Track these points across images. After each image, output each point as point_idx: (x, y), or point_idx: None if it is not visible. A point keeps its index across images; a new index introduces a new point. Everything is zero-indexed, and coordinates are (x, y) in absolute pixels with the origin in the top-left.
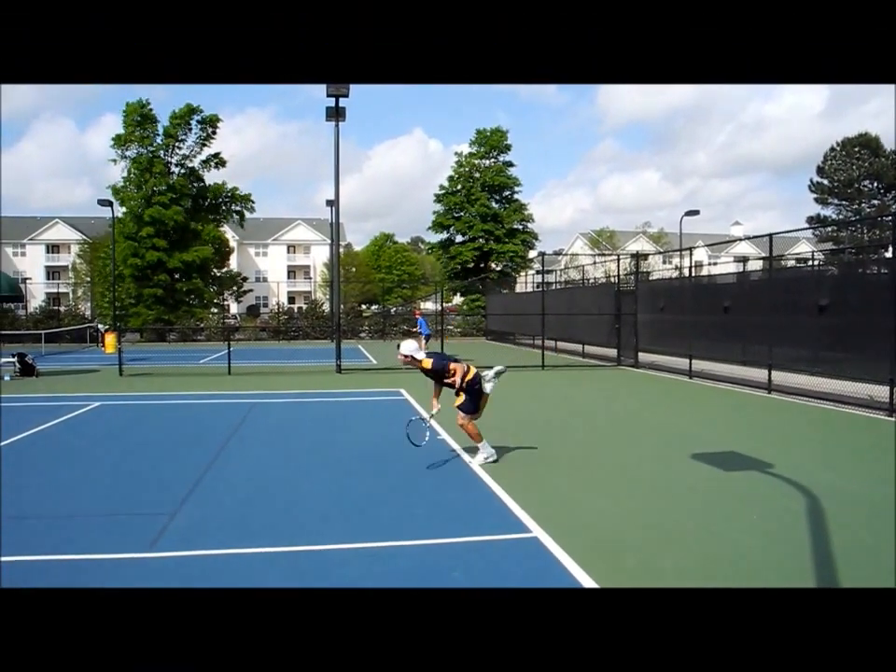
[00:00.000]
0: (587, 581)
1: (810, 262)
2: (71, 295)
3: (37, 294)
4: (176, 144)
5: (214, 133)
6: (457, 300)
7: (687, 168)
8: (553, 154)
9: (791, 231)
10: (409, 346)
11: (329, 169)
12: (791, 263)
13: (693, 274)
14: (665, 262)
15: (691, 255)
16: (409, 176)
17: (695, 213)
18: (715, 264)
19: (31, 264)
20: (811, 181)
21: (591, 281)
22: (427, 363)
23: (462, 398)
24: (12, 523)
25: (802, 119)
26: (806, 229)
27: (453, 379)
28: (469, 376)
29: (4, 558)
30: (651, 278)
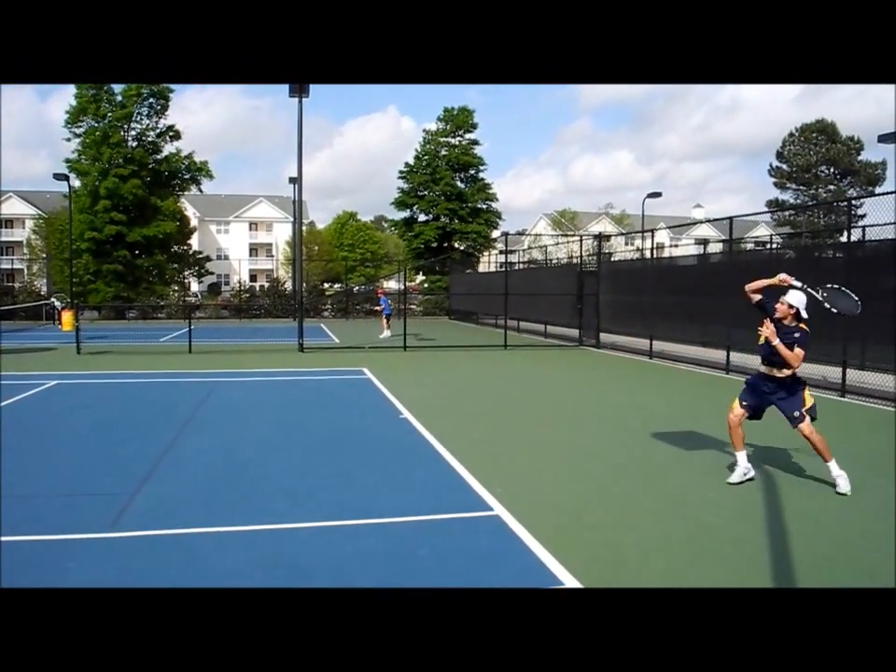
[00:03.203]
0: (547, 558)
1: (768, 246)
2: (26, 271)
3: None
4: (132, 117)
5: (167, 105)
6: (420, 279)
7: (659, 150)
8: (527, 133)
9: (749, 215)
10: (800, 299)
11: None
12: (751, 246)
13: (655, 256)
14: (627, 244)
15: (652, 236)
16: (379, 154)
17: (657, 195)
18: (676, 246)
19: None
20: (771, 165)
21: (554, 262)
22: (804, 327)
23: (809, 397)
24: None
25: (776, 102)
26: (765, 213)
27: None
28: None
29: None
30: (613, 259)
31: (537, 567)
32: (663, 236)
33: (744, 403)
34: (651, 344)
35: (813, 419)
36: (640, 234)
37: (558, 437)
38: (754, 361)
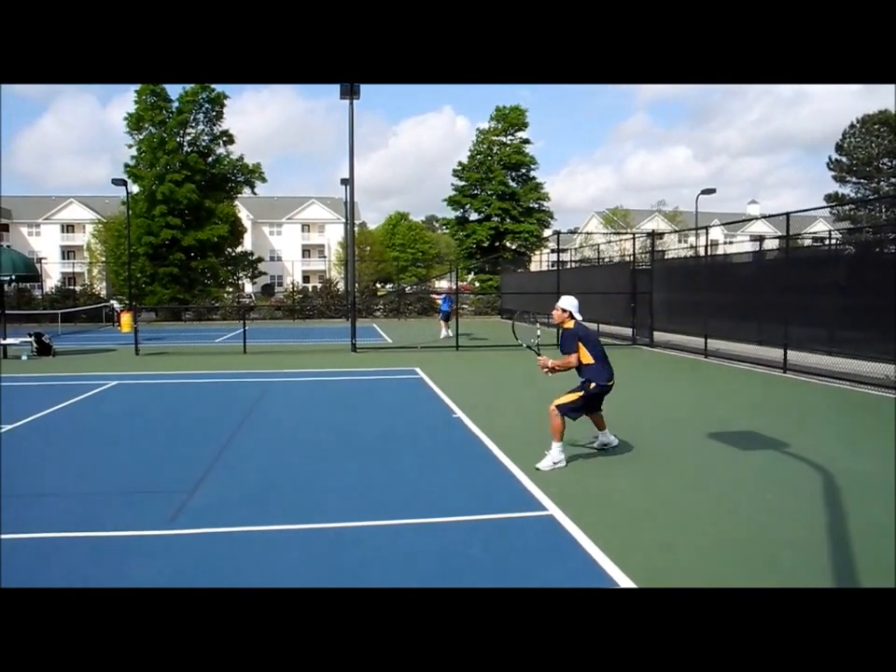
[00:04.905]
0: (602, 559)
1: (827, 241)
2: (86, 275)
3: (53, 274)
4: (188, 123)
5: (222, 110)
6: (470, 278)
7: (717, 145)
8: (581, 130)
9: (807, 210)
10: (570, 301)
11: (355, 146)
12: (808, 242)
13: (709, 253)
14: (680, 241)
15: (707, 234)
16: (433, 154)
17: (711, 191)
18: (731, 243)
19: (46, 244)
20: (830, 159)
21: (606, 260)
22: (570, 325)
23: (573, 396)
24: (32, 500)
25: (839, 93)
26: (823, 207)
27: (564, 362)
28: (592, 385)
29: (26, 535)
30: (666, 257)
31: (591, 568)
32: (717, 233)
33: None
34: (706, 343)
35: (564, 414)
36: (694, 232)
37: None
38: (813, 360)
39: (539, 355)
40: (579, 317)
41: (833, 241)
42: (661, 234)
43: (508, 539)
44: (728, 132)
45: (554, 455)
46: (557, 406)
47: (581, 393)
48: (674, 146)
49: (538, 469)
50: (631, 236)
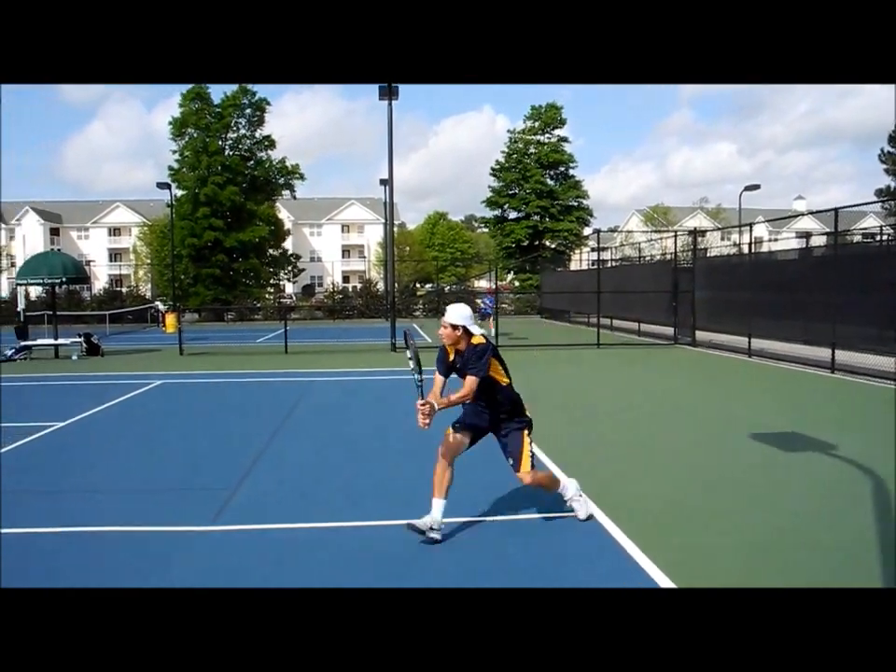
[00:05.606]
0: (643, 561)
1: (878, 237)
2: (132, 276)
3: (101, 276)
4: (230, 126)
5: (263, 116)
6: (509, 277)
7: (764, 140)
8: (623, 126)
9: (857, 206)
10: (461, 313)
11: (395, 146)
12: (858, 239)
13: (753, 251)
14: (723, 239)
15: (751, 231)
16: (472, 153)
17: (756, 187)
18: (776, 240)
19: (94, 247)
20: (882, 151)
21: (647, 258)
22: (479, 339)
23: (528, 442)
24: (82, 496)
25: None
26: (874, 202)
27: (464, 393)
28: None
29: (76, 528)
30: (709, 255)
31: (630, 568)
32: (761, 230)
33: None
34: (749, 342)
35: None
36: (738, 229)
37: (652, 437)
38: (861, 359)
39: (421, 394)
40: (476, 331)
41: (885, 237)
42: (703, 232)
43: (547, 540)
44: (774, 126)
45: (581, 499)
46: (532, 469)
47: (526, 429)
48: (718, 141)
49: (583, 519)
50: (672, 234)
